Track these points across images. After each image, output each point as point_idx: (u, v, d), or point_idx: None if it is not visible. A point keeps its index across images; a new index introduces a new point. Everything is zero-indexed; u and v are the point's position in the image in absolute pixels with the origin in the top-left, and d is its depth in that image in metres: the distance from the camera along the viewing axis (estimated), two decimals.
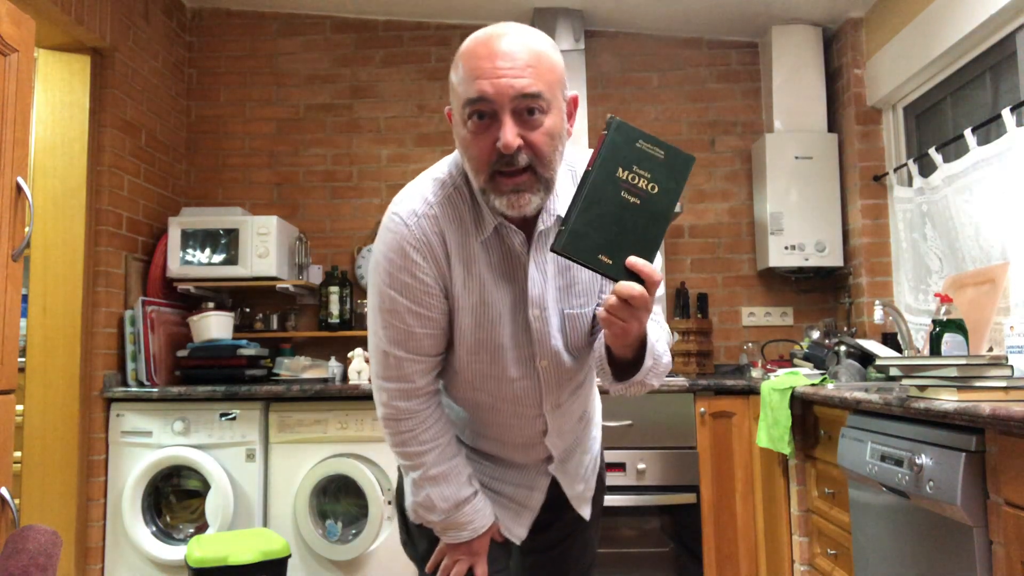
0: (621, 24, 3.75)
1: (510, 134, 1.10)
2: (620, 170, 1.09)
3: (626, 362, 1.21)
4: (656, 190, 1.10)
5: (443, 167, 1.27)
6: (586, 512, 1.47)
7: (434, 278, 1.22)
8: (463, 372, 1.30)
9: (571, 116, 1.21)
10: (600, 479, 1.55)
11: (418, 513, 1.33)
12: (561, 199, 1.23)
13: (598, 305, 1.29)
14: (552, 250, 1.09)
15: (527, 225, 1.24)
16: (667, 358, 1.27)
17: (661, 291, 1.26)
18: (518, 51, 1.12)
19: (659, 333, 1.27)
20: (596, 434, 1.54)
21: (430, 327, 1.24)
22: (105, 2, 3.03)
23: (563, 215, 1.17)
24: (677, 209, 3.22)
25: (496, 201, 1.15)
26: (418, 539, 1.42)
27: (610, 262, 1.09)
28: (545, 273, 1.26)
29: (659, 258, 1.20)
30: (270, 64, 3.85)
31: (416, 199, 1.23)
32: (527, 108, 1.11)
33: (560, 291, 1.27)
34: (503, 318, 1.25)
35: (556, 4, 3.49)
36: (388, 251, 1.22)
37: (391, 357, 1.25)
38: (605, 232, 1.09)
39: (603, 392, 1.50)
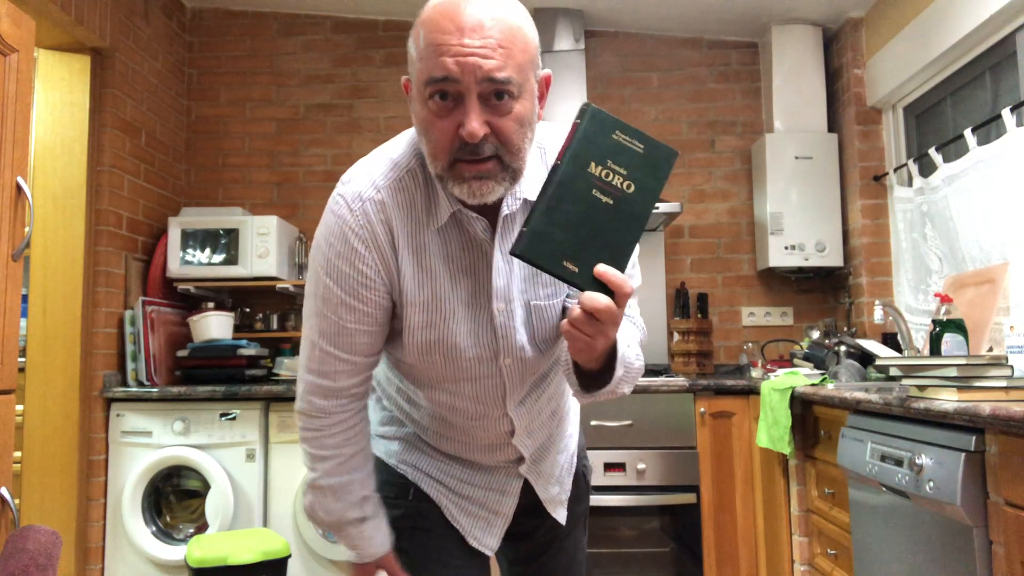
0: (621, 24, 3.75)
1: (476, 122, 0.97)
2: (593, 165, 0.96)
3: (592, 373, 1.10)
4: (632, 189, 0.97)
5: (400, 145, 1.15)
6: (561, 515, 1.37)
7: (375, 270, 1.10)
8: (417, 371, 1.20)
9: (543, 97, 1.08)
10: (581, 479, 1.43)
11: (307, 515, 1.25)
12: (529, 181, 1.10)
13: (568, 297, 1.19)
14: (511, 253, 0.97)
15: (489, 211, 1.10)
16: (639, 363, 1.15)
17: (638, 281, 1.20)
18: (488, 24, 0.97)
19: (632, 334, 1.17)
20: (572, 431, 1.42)
21: (365, 323, 1.12)
22: (105, 2, 3.03)
23: (531, 198, 1.09)
24: (676, 208, 3.22)
25: (455, 189, 1.03)
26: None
27: (576, 270, 0.96)
28: (511, 262, 1.13)
29: (636, 258, 1.14)
30: (270, 64, 3.86)
31: (364, 180, 1.11)
32: (495, 92, 0.98)
33: (525, 281, 1.15)
34: (458, 315, 1.13)
35: (556, 4, 3.49)
36: (329, 235, 1.11)
37: (317, 349, 1.14)
38: (572, 235, 0.96)
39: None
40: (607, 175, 0.97)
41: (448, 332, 1.13)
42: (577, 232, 0.96)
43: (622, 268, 0.97)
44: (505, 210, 1.11)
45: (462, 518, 1.29)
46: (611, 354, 1.08)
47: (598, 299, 0.94)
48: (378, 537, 1.23)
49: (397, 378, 1.30)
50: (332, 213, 1.12)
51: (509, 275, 1.14)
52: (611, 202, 0.97)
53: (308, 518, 1.27)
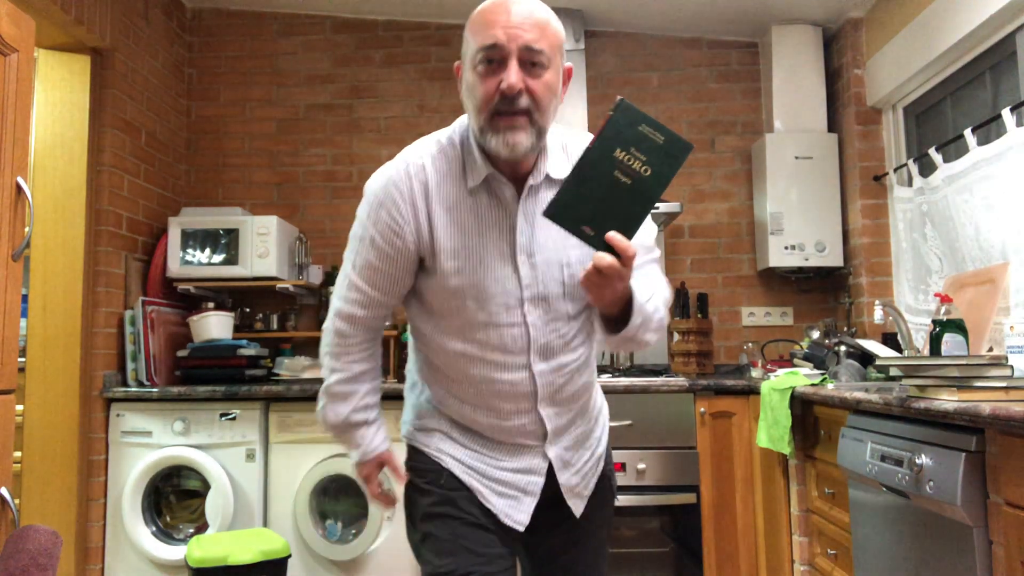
0: (621, 24, 3.75)
1: (515, 76, 1.23)
2: (618, 150, 1.17)
3: (614, 318, 1.33)
4: (648, 173, 1.18)
5: (448, 128, 1.41)
6: (577, 507, 1.46)
7: (406, 220, 1.33)
8: (452, 318, 1.36)
9: (565, 84, 1.34)
10: (606, 484, 1.53)
11: (319, 419, 1.48)
12: (552, 163, 1.36)
13: None
14: (544, 214, 1.21)
15: (518, 182, 1.34)
16: (660, 315, 1.37)
17: (657, 253, 1.44)
18: (527, 14, 1.26)
19: (652, 291, 1.37)
20: (601, 435, 1.53)
21: (387, 266, 1.36)
22: (105, 2, 3.03)
23: (553, 176, 1.35)
24: (676, 208, 3.23)
25: (492, 140, 1.26)
26: (417, 525, 1.44)
27: (592, 234, 1.19)
28: (533, 223, 1.34)
29: (651, 225, 1.39)
30: (270, 64, 3.86)
31: (412, 151, 1.38)
32: (531, 60, 1.24)
33: (550, 239, 1.35)
34: (485, 262, 1.33)
35: (556, 4, 3.46)
36: (377, 187, 1.36)
37: (347, 279, 1.40)
38: (593, 206, 1.18)
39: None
40: (629, 160, 1.18)
41: (476, 277, 1.33)
42: (597, 204, 1.18)
43: (629, 236, 1.20)
44: (531, 181, 1.34)
45: (494, 498, 1.40)
46: (627, 305, 1.31)
47: (605, 258, 1.18)
48: (378, 438, 1.47)
49: (433, 367, 1.44)
50: (384, 172, 1.38)
51: (531, 233, 1.35)
52: (629, 182, 1.18)
53: (320, 422, 1.47)
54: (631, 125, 1.17)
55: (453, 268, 1.33)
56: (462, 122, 1.39)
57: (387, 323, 1.48)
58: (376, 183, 1.37)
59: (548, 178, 1.36)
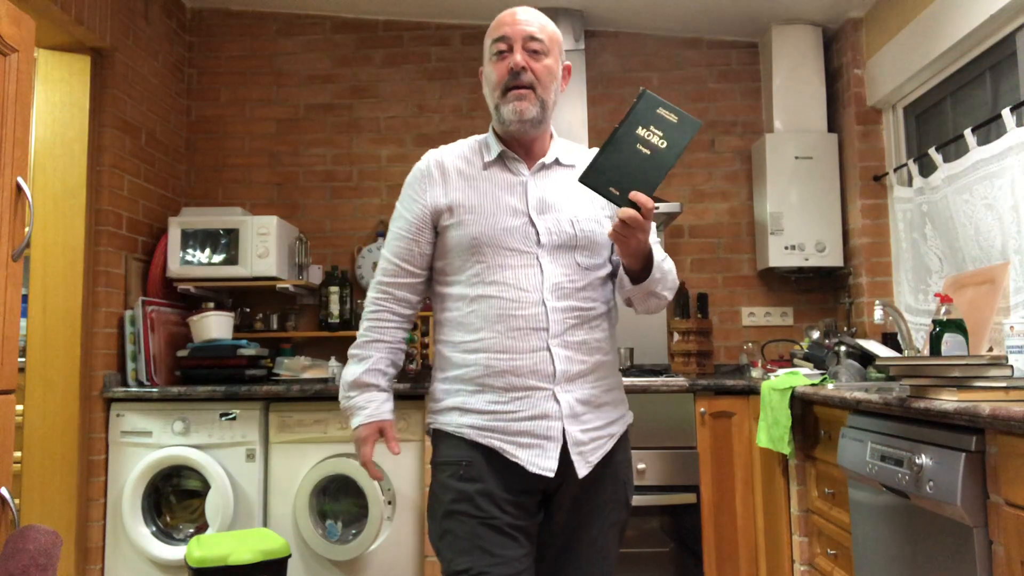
0: (621, 24, 3.75)
1: (520, 57, 1.55)
2: (640, 128, 1.42)
3: (636, 272, 1.54)
4: (665, 145, 1.42)
5: (470, 137, 1.70)
6: (581, 467, 1.50)
7: (423, 190, 1.61)
8: (472, 266, 1.55)
9: (565, 79, 1.65)
10: (620, 471, 1.59)
11: (339, 380, 1.68)
12: (560, 151, 1.64)
13: (608, 218, 1.61)
14: (579, 180, 1.43)
15: (529, 163, 1.62)
16: (672, 275, 1.61)
17: (655, 238, 1.61)
18: (532, 19, 1.59)
19: (663, 256, 1.60)
20: (617, 416, 1.60)
21: (407, 231, 1.61)
22: (105, 2, 3.03)
23: (561, 160, 1.64)
24: (677, 208, 3.23)
25: (504, 109, 1.56)
26: (438, 522, 1.51)
27: (618, 193, 1.42)
28: (544, 189, 1.59)
29: (654, 234, 1.61)
30: (270, 64, 3.86)
31: (436, 150, 1.67)
32: (533, 48, 1.56)
33: (560, 199, 1.58)
34: (500, 215, 1.55)
35: (556, 4, 3.49)
36: (408, 180, 1.66)
37: (384, 259, 1.65)
38: (619, 172, 1.42)
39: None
40: (648, 136, 1.43)
41: (493, 225, 1.55)
42: (622, 170, 1.42)
43: (650, 194, 1.41)
44: (544, 160, 1.62)
45: (519, 452, 1.49)
46: (648, 260, 1.52)
47: (629, 211, 1.39)
48: (385, 407, 1.62)
49: (454, 325, 1.58)
50: (415, 166, 1.67)
51: (541, 196, 1.58)
52: (649, 152, 1.43)
53: (339, 383, 1.65)
54: (651, 109, 1.42)
55: (471, 220, 1.55)
56: (480, 137, 1.68)
57: (414, 306, 1.67)
58: (408, 176, 1.66)
59: (558, 161, 1.63)
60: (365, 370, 1.61)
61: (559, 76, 1.61)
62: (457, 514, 1.48)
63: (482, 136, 1.67)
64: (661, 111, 1.42)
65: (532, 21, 1.58)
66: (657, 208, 1.66)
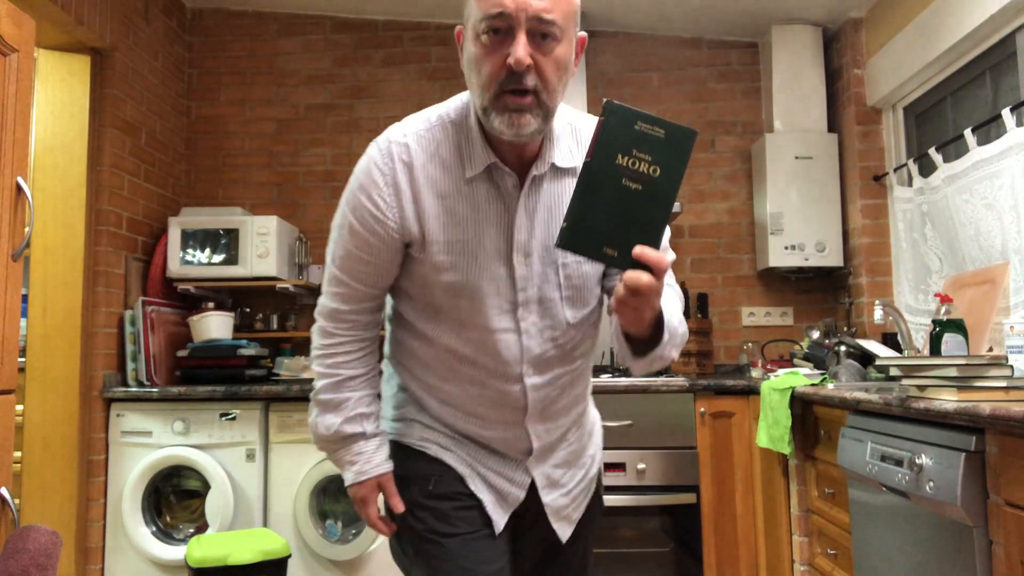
0: (621, 24, 3.75)
1: (523, 50, 1.08)
2: (619, 156, 1.05)
3: (643, 340, 1.19)
4: (658, 172, 1.06)
5: (449, 102, 1.27)
6: (563, 532, 1.36)
7: (388, 205, 1.22)
8: (445, 317, 1.26)
9: (578, 55, 1.19)
10: (597, 503, 1.45)
11: (311, 433, 1.35)
12: (559, 150, 1.24)
13: (605, 276, 1.31)
14: (556, 246, 1.10)
15: (521, 170, 1.22)
16: (683, 328, 1.26)
17: (673, 256, 1.28)
18: None
19: (672, 303, 1.26)
20: (593, 451, 1.43)
21: (368, 254, 1.24)
22: (105, 2, 3.03)
23: (559, 164, 1.23)
24: (677, 209, 3.22)
25: (496, 120, 1.13)
26: (405, 546, 1.34)
27: (615, 254, 1.06)
28: (533, 220, 1.23)
29: (667, 232, 1.22)
30: (270, 64, 3.86)
31: (398, 129, 1.26)
32: (542, 32, 1.10)
33: (550, 238, 1.23)
34: (480, 259, 1.22)
35: None
36: (358, 171, 1.26)
37: (329, 271, 1.30)
38: (607, 223, 1.06)
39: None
40: (634, 164, 1.05)
41: (472, 275, 1.22)
42: (612, 219, 1.06)
43: (656, 245, 1.06)
44: (535, 171, 1.22)
45: (481, 489, 1.31)
46: (658, 322, 1.17)
47: (640, 277, 1.03)
48: (379, 456, 1.32)
49: (415, 358, 1.33)
50: (366, 153, 1.26)
51: (531, 231, 1.23)
52: (640, 187, 1.06)
53: (312, 436, 1.35)
54: (626, 126, 1.05)
55: (447, 263, 1.21)
56: (461, 99, 1.25)
57: (379, 324, 1.37)
58: (358, 166, 1.27)
59: (554, 167, 1.24)
60: (344, 420, 1.30)
61: (572, 63, 1.17)
62: (430, 535, 1.30)
63: (461, 120, 1.23)
64: (641, 126, 1.05)
65: None
66: (673, 260, 1.24)
